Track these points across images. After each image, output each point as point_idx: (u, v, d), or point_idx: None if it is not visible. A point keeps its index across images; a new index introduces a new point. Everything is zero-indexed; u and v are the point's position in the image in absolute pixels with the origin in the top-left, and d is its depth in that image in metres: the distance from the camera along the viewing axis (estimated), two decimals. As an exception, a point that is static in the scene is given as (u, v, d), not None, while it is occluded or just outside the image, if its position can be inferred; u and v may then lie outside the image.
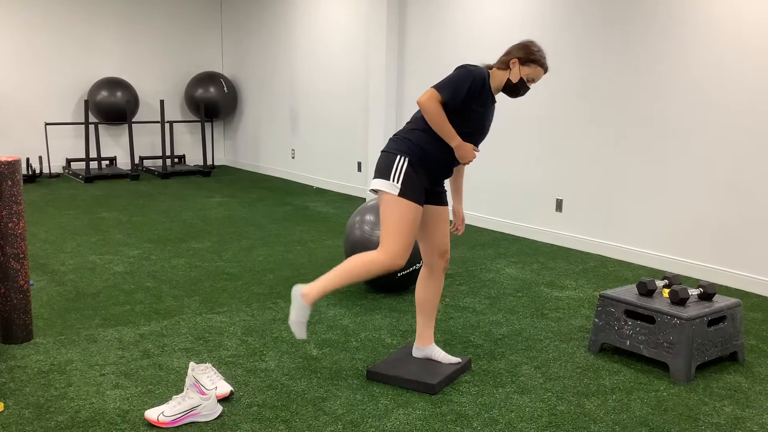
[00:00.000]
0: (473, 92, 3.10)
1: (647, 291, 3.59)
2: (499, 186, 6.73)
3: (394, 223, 3.08)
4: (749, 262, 4.93)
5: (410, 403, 3.10)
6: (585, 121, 5.91)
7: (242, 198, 8.31)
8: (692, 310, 3.42)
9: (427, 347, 3.46)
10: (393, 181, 3.10)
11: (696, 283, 5.04)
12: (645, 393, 3.26)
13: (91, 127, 10.02)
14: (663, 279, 3.76)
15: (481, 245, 6.14)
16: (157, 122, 10.12)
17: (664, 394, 3.26)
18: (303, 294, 3.15)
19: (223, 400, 3.08)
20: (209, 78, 10.52)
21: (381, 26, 7.63)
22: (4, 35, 9.38)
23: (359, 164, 8.52)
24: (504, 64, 3.22)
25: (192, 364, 3.06)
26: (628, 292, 3.67)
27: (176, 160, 10.79)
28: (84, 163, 9.98)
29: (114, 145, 10.46)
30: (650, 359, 3.62)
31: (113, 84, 9.84)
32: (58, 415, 2.94)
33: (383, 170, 3.14)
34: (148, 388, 3.20)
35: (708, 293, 3.57)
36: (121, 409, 3.00)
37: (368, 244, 4.44)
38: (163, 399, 3.09)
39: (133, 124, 10.23)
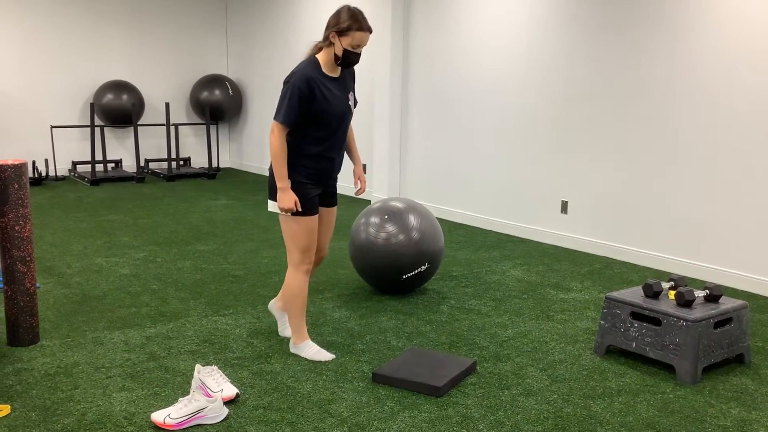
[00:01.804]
0: (305, 99, 3.20)
1: (653, 293, 3.59)
2: (504, 188, 6.72)
3: (289, 236, 3.41)
4: (756, 263, 4.91)
5: (416, 406, 3.10)
6: (590, 122, 5.90)
7: (247, 200, 8.32)
8: (698, 312, 3.41)
9: (278, 311, 3.80)
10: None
11: (702, 284, 5.03)
12: (651, 395, 3.25)
13: (97, 130, 10.05)
14: (669, 281, 3.75)
15: (486, 247, 6.13)
16: (163, 125, 10.14)
17: (671, 396, 3.25)
18: (293, 343, 3.60)
19: (229, 403, 3.08)
20: (214, 81, 10.54)
21: (385, 29, 7.64)
22: (11, 38, 9.41)
23: (364, 166, 8.52)
24: (326, 40, 3.25)
25: (198, 366, 3.07)
26: (633, 294, 3.67)
27: (182, 162, 10.81)
28: (90, 165, 10.00)
29: (120, 148, 10.48)
30: (656, 361, 3.61)
31: (119, 87, 9.87)
32: (64, 417, 2.94)
33: (270, 192, 3.39)
34: (155, 391, 3.20)
35: (714, 295, 3.56)
36: (127, 411, 3.00)
37: (373, 246, 4.45)
38: (169, 401, 3.10)
39: (138, 127, 10.25)
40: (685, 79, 5.21)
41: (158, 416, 2.88)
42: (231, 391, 3.10)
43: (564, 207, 6.19)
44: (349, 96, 3.42)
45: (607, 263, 5.64)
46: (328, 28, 3.25)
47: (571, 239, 6.14)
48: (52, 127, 9.53)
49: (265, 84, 10.38)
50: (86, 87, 10.03)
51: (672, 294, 3.61)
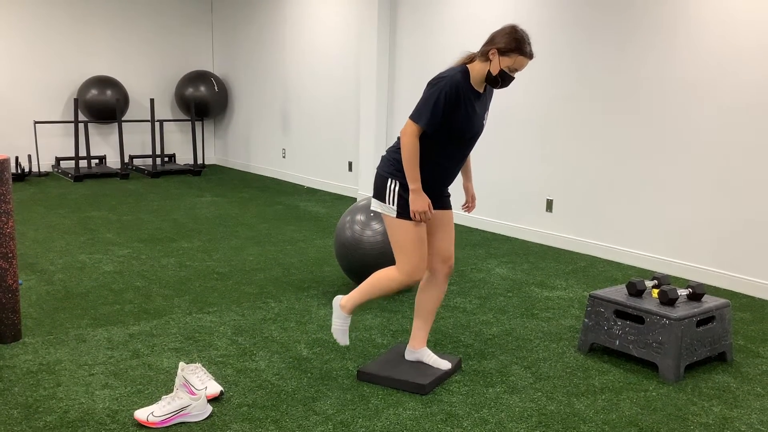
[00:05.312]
0: (449, 105, 3.03)
1: (636, 291, 3.61)
2: (490, 186, 6.74)
3: (399, 243, 3.17)
4: (738, 262, 4.96)
5: (401, 403, 3.10)
6: (575, 121, 5.93)
7: (232, 197, 8.29)
8: (681, 310, 3.43)
9: (418, 350, 3.45)
10: (388, 203, 3.16)
11: (685, 283, 5.07)
12: (634, 393, 3.28)
13: (81, 126, 9.98)
14: (652, 279, 3.77)
15: (472, 245, 6.15)
16: (147, 121, 10.08)
17: (653, 394, 3.27)
18: (341, 305, 3.31)
19: (213, 400, 3.07)
20: (200, 77, 10.49)
21: (372, 25, 7.64)
22: (-7, 33, 9.33)
23: (350, 164, 8.51)
24: (484, 55, 3.07)
25: (182, 364, 3.05)
26: (617, 293, 3.69)
27: (166, 159, 10.75)
28: (73, 161, 9.93)
29: (104, 144, 10.41)
30: (639, 359, 3.63)
31: (103, 82, 9.80)
32: (46, 415, 2.92)
33: (379, 192, 3.19)
34: (138, 388, 3.18)
35: (697, 293, 3.59)
36: (110, 409, 2.98)
37: (359, 244, 4.45)
38: (152, 399, 3.08)
39: (123, 123, 10.19)
40: (669, 78, 5.25)
41: (141, 414, 2.87)
42: (215, 388, 3.09)
43: (549, 205, 6.22)
44: (484, 115, 3.25)
45: (592, 261, 5.67)
46: (490, 43, 3.06)
47: (556, 237, 6.16)
48: (36, 122, 9.45)
49: (251, 80, 10.34)
50: (70, 82, 9.96)
51: (655, 292, 3.63)
